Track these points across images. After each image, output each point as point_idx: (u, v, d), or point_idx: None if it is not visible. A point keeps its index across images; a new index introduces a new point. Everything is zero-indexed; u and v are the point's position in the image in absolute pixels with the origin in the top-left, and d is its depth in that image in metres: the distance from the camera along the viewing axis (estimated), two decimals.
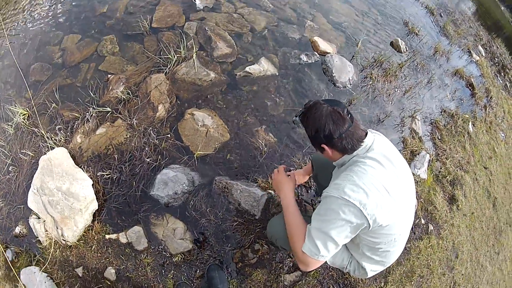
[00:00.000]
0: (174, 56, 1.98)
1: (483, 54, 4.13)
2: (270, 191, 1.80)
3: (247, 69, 2.01)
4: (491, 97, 3.80)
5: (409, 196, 1.05)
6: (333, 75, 2.29)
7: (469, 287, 2.42)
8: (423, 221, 2.29)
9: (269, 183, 1.82)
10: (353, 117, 1.03)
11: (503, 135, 3.87)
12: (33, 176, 1.79)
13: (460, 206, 2.73)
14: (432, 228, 2.35)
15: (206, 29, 2.10)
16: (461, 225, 2.71)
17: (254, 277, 1.70)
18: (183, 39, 2.04)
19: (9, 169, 1.98)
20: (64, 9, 2.50)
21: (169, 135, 1.79)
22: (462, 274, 2.39)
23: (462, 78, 3.54)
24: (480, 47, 4.18)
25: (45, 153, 1.86)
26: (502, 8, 7.25)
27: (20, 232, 1.86)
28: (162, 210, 1.72)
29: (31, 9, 2.66)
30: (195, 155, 1.77)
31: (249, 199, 1.74)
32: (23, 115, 2.00)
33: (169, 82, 1.91)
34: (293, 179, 1.29)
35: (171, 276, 1.64)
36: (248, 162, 1.83)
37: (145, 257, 1.66)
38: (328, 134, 0.98)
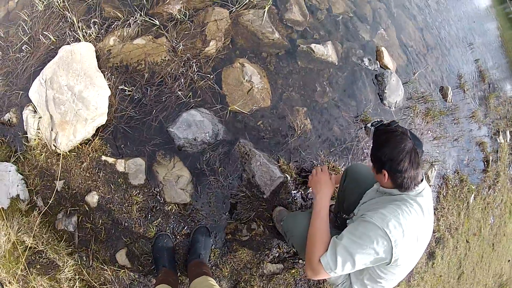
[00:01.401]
0: None
1: (508, 140, 4.18)
2: (287, 175, 1.68)
3: (312, 45, 1.85)
4: (497, 181, 3.87)
5: (424, 248, 1.11)
6: (385, 91, 2.18)
7: None
8: None
9: (289, 166, 1.69)
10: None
11: (492, 220, 3.96)
12: (46, 64, 1.56)
13: (435, 264, 2.77)
14: None
15: None
16: (428, 282, 2.74)
17: (238, 255, 1.58)
18: None
19: (22, 48, 1.73)
20: None
21: (210, 76, 1.61)
22: None
23: (483, 151, 3.57)
24: (508, 132, 4.23)
25: (69, 43, 1.62)
26: None
27: (9, 120, 1.62)
28: (173, 151, 1.54)
29: None
30: (229, 108, 1.60)
31: (265, 175, 1.60)
32: None
33: (230, 22, 1.71)
34: (334, 185, 1.28)
35: (156, 223, 1.49)
36: (278, 138, 1.69)
37: (136, 194, 1.49)
38: (399, 169, 0.99)
